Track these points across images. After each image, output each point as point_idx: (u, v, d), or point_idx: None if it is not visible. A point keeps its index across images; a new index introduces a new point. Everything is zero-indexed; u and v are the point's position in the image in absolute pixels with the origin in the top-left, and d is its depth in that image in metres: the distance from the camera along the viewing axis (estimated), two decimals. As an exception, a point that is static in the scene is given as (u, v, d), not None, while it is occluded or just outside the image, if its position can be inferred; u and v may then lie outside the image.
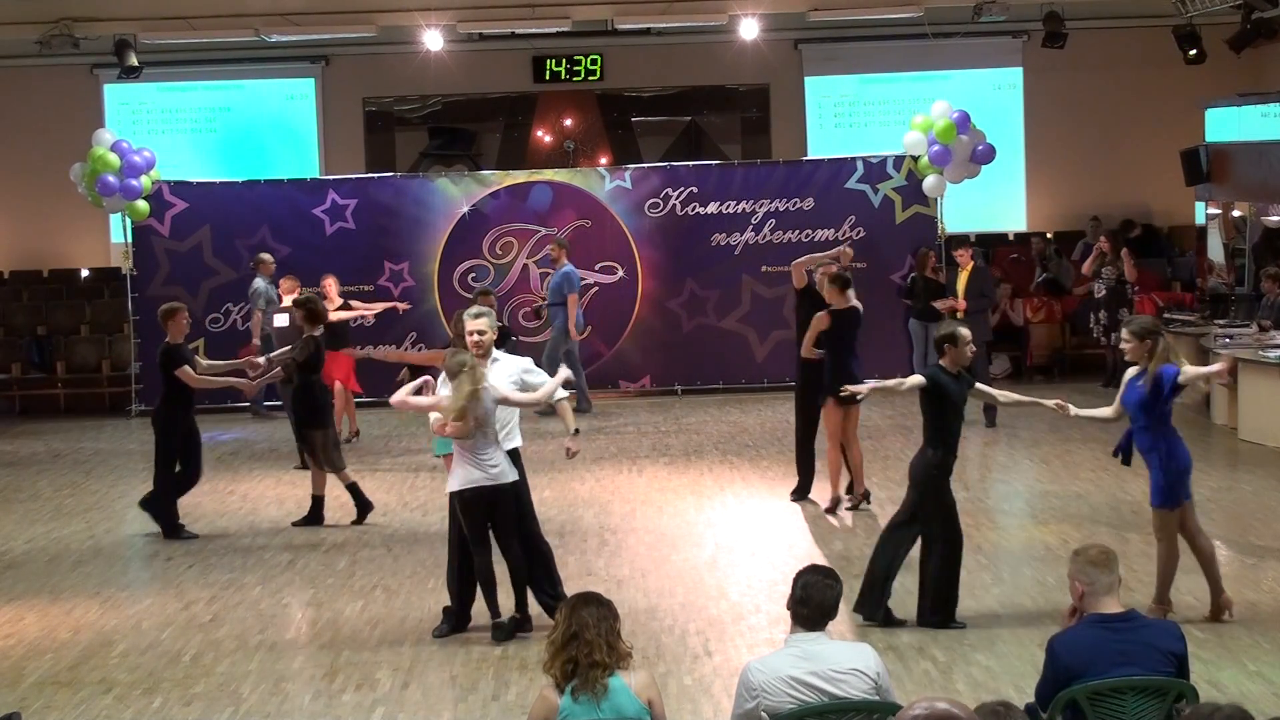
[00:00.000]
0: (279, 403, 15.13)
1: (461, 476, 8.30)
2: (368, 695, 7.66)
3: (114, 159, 16.97)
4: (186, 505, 11.61)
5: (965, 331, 8.54)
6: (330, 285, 15.01)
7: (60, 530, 11.73)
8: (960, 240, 16.11)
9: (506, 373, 8.54)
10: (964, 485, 12.73)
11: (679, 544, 10.66)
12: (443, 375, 8.44)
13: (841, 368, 10.93)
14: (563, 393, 8.74)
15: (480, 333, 8.47)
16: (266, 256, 16.56)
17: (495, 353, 8.62)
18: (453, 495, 8.39)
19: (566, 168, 19.32)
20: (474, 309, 8.75)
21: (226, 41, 18.95)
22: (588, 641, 5.17)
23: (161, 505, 11.33)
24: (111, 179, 16.90)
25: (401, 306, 16.56)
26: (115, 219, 18.61)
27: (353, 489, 11.42)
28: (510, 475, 8.38)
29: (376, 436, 15.58)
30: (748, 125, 22.19)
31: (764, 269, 17.66)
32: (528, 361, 8.84)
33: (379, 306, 16.01)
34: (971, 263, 15.53)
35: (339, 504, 11.63)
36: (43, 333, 19.20)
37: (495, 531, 8.42)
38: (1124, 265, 16.28)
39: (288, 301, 14.42)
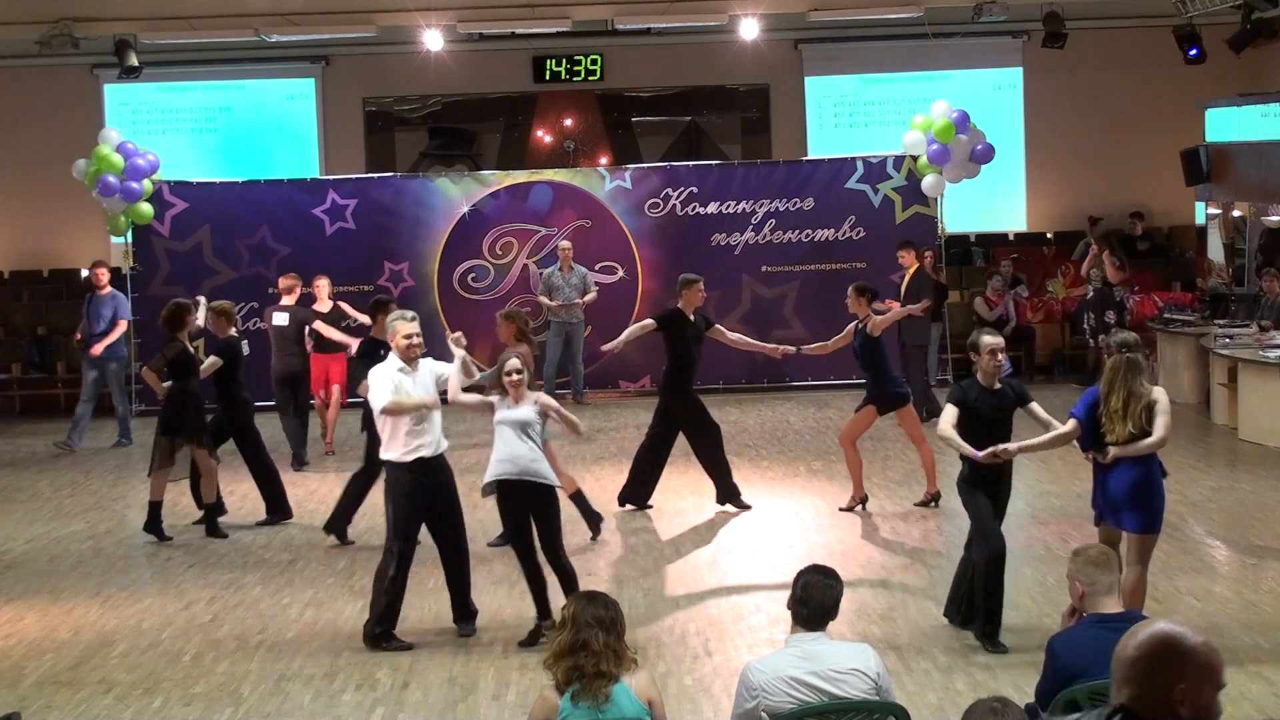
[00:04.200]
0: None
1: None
2: (368, 695, 7.66)
3: (118, 160, 16.97)
4: (185, 506, 11.63)
5: (987, 339, 8.23)
6: (321, 286, 14.70)
7: (60, 530, 11.73)
8: (904, 242, 15.90)
9: (433, 371, 8.59)
10: (964, 485, 12.75)
11: (679, 544, 10.66)
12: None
13: None
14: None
15: (419, 335, 8.48)
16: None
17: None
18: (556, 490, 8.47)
19: (566, 168, 19.32)
20: (409, 312, 8.68)
21: (226, 41, 18.94)
22: (595, 653, 5.13)
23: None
24: (113, 179, 16.89)
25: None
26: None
27: (154, 507, 11.27)
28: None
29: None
30: (748, 125, 22.20)
31: (764, 269, 17.67)
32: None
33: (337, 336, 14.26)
34: (916, 264, 15.52)
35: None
36: (43, 333, 19.19)
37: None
38: (1105, 267, 16.23)
39: (287, 300, 14.37)
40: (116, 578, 10.27)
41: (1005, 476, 8.27)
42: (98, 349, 15.43)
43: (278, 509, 11.79)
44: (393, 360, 8.43)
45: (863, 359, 11.36)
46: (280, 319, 14.20)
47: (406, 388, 8.31)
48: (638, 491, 11.71)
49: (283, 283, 14.67)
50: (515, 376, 8.34)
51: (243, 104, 21.29)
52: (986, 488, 8.16)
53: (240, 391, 11.72)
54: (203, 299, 13.07)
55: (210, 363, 11.56)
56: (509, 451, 8.32)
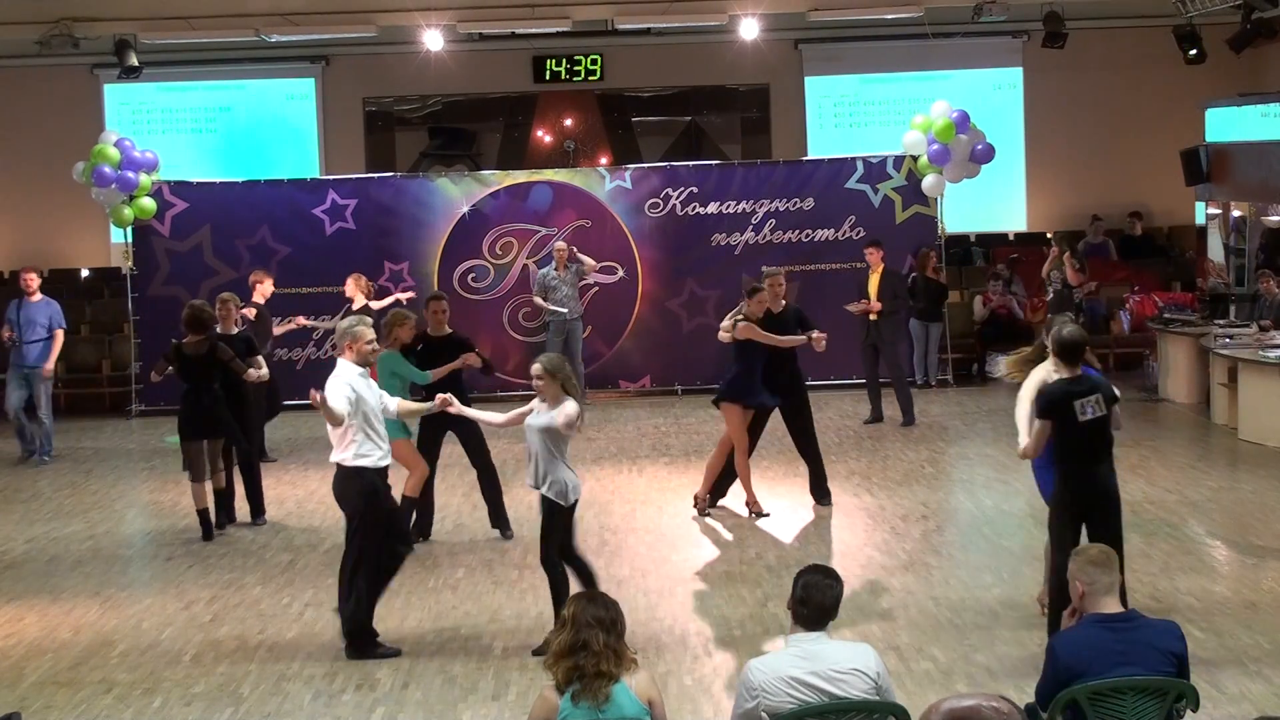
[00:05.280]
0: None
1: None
2: (368, 695, 7.66)
3: (114, 153, 16.96)
4: (185, 506, 11.63)
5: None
6: (352, 284, 14.68)
7: (60, 530, 11.73)
8: (872, 241, 15.91)
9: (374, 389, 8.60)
10: (964, 486, 12.76)
11: (679, 544, 10.66)
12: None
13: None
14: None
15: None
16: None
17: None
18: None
19: (566, 168, 19.31)
20: (368, 318, 8.68)
21: (226, 41, 18.95)
22: (595, 653, 5.13)
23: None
24: (108, 170, 16.85)
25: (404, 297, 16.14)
26: (115, 219, 18.61)
27: (203, 514, 11.17)
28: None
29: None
30: (748, 125, 22.21)
31: (764, 269, 17.63)
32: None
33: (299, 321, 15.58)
34: (882, 265, 15.51)
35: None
36: (42, 333, 19.13)
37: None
38: (1065, 269, 16.20)
39: (257, 298, 14.32)
40: (116, 578, 10.27)
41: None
42: (48, 368, 14.81)
43: (257, 510, 11.70)
44: (350, 367, 8.34)
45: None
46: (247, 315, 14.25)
47: (361, 391, 8.29)
48: (818, 486, 11.75)
49: (253, 277, 14.59)
50: (536, 382, 8.18)
51: (243, 104, 21.30)
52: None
53: (248, 386, 11.74)
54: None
55: (258, 364, 11.67)
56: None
